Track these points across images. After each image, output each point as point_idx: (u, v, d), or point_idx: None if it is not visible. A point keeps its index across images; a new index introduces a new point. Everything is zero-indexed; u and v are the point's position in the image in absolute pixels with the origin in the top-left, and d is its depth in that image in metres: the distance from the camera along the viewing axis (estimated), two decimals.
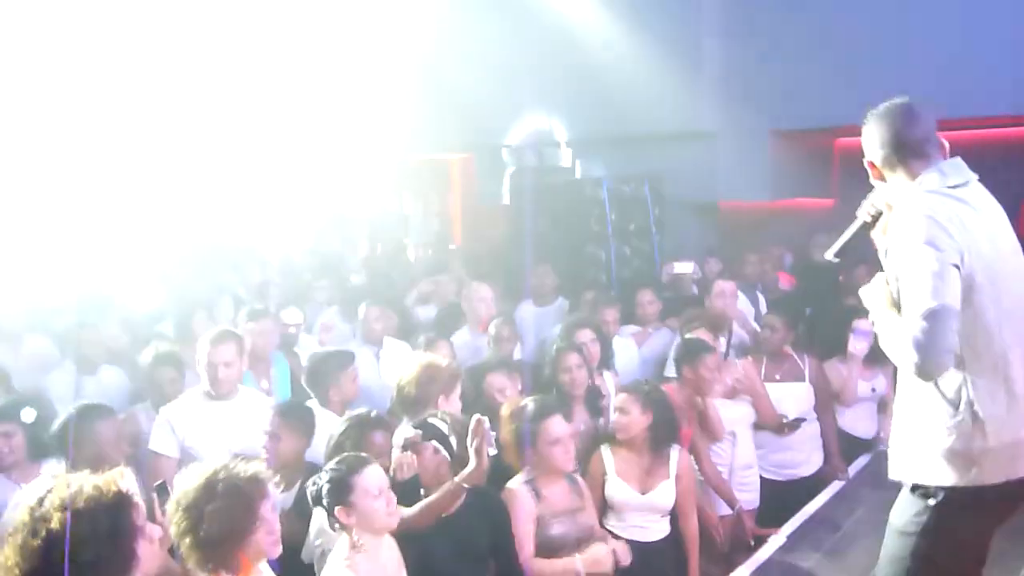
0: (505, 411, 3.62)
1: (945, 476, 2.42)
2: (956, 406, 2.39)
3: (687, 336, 4.86)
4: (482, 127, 9.16)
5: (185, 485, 2.42)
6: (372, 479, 2.77)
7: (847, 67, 7.01)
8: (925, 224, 2.37)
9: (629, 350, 5.58)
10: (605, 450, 3.92)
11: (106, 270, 6.71)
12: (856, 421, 5.52)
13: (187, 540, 2.38)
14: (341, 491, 2.74)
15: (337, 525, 2.78)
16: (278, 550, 2.46)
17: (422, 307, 6.65)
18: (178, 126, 9.24)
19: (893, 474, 2.57)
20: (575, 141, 8.37)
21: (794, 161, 7.93)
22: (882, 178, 2.64)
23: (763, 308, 6.45)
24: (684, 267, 6.78)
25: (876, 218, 2.66)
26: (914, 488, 2.49)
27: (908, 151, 2.55)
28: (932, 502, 2.44)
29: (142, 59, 8.68)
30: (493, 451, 3.06)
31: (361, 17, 9.48)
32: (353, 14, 9.46)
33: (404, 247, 10.25)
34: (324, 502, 2.77)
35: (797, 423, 4.78)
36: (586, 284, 6.93)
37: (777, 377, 5.02)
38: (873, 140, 2.62)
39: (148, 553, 2.05)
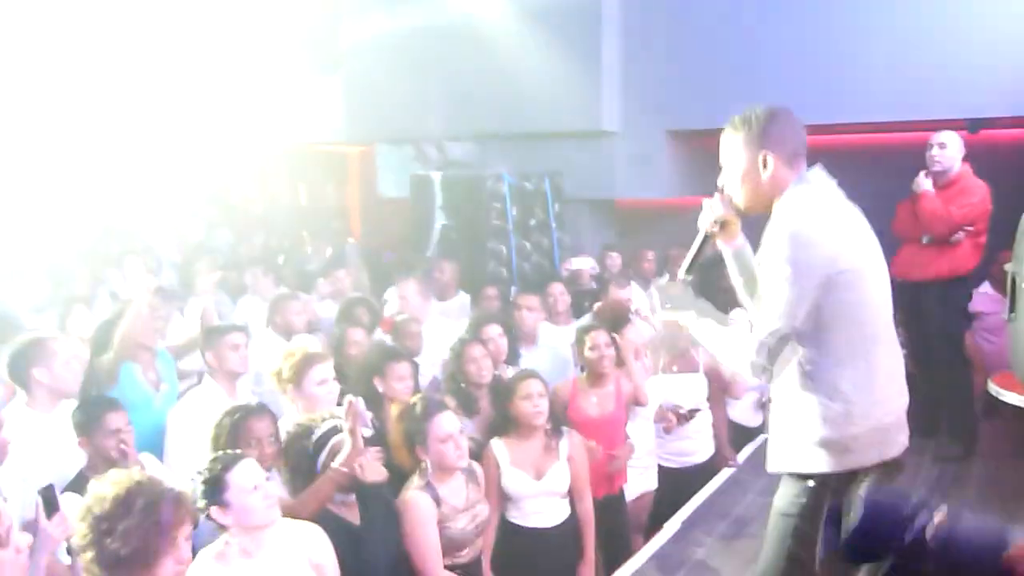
0: (394, 412, 3.60)
1: (821, 463, 2.54)
2: (830, 397, 2.49)
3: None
4: (384, 119, 9.06)
5: (101, 492, 2.29)
6: (246, 474, 2.70)
7: (741, 69, 7.27)
8: (791, 243, 2.44)
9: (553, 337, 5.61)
10: (497, 443, 3.95)
11: None
12: (743, 412, 5.83)
13: (90, 554, 2.25)
14: (215, 490, 2.66)
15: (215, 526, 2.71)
16: None
17: (321, 303, 6.54)
18: (65, 115, 8.78)
19: (772, 467, 2.68)
20: (477, 136, 8.38)
21: (690, 160, 8.17)
22: (748, 181, 2.62)
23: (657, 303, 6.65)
24: (583, 263, 6.91)
25: (720, 226, 2.74)
26: (794, 476, 2.60)
27: (784, 158, 2.57)
28: (811, 484, 2.56)
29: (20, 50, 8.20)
30: (368, 431, 3.04)
31: (266, 3, 9.25)
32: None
33: (303, 240, 10.03)
34: (200, 503, 2.67)
35: (693, 412, 4.94)
36: (486, 279, 6.97)
37: (675, 368, 5.18)
38: (746, 143, 2.59)
39: (8, 562, 1.94)
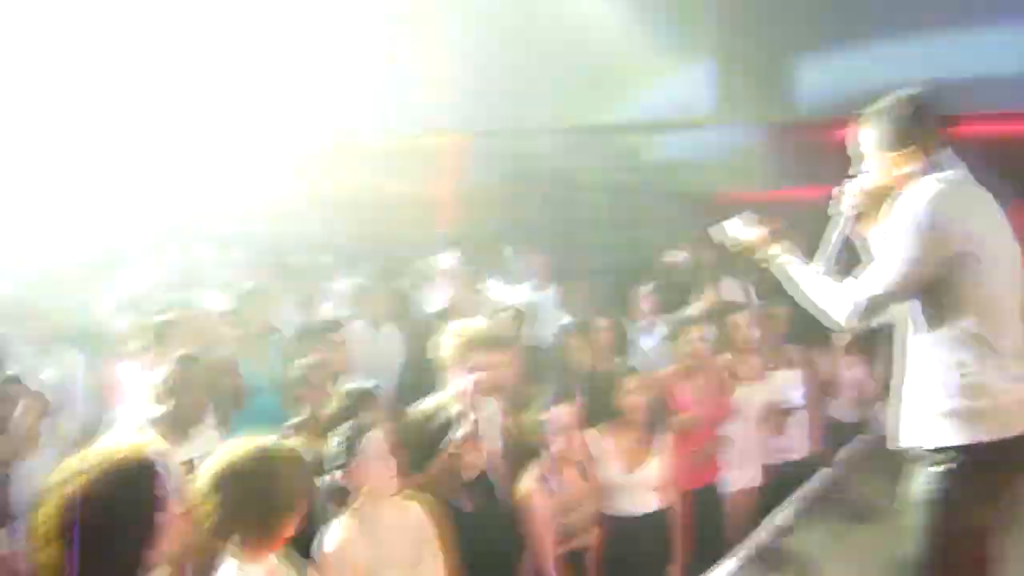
0: (504, 402, 3.70)
1: (954, 436, 2.52)
2: (960, 370, 2.51)
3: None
4: (478, 111, 9.15)
5: (230, 457, 2.43)
6: (374, 444, 2.86)
7: (850, 57, 7.08)
8: (920, 218, 2.49)
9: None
10: (592, 433, 3.99)
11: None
12: (842, 409, 5.75)
13: (221, 513, 2.38)
14: (346, 456, 2.83)
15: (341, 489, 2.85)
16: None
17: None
18: (148, 109, 9.05)
19: (904, 441, 2.65)
20: (570, 127, 8.39)
21: (789, 152, 8.03)
22: (887, 168, 2.67)
23: (753, 298, 6.58)
24: (677, 256, 6.88)
25: (858, 214, 2.75)
26: (923, 458, 2.58)
27: (925, 145, 2.61)
28: (943, 468, 2.53)
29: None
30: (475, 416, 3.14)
31: None
32: None
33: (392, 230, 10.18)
34: (326, 466, 2.85)
35: (791, 410, 4.91)
36: (578, 271, 6.99)
37: (771, 365, 5.15)
38: (888, 131, 2.66)
39: (172, 525, 2.03)
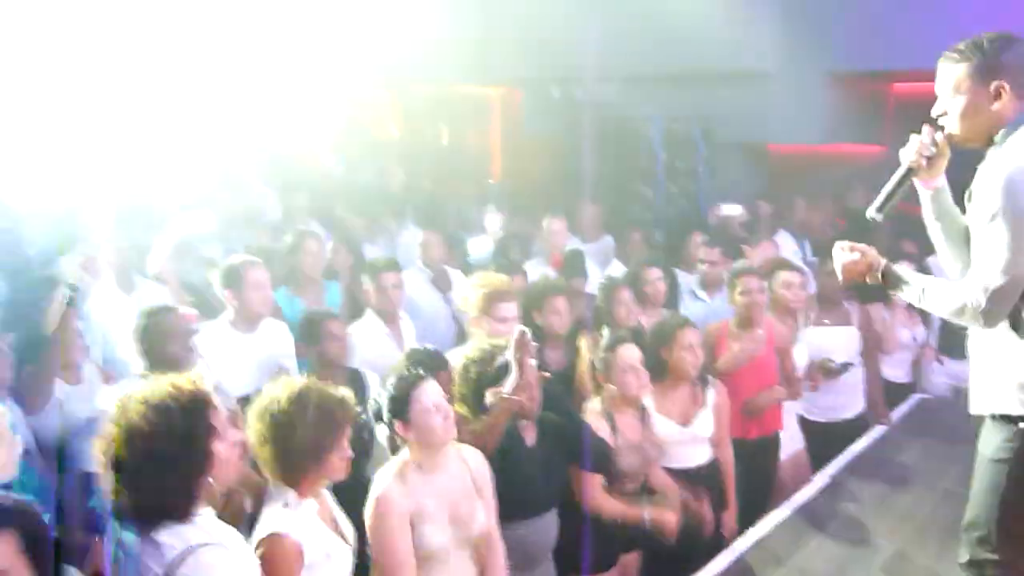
0: (582, 343, 3.72)
1: None
2: None
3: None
4: (531, 60, 9.03)
5: (273, 393, 2.49)
6: (430, 394, 2.85)
7: (915, 5, 6.80)
8: (1015, 189, 2.29)
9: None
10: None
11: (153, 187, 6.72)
12: (896, 368, 5.65)
13: (268, 448, 2.45)
14: (400, 405, 2.84)
15: (397, 440, 2.88)
16: (343, 475, 2.55)
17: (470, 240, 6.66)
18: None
19: (975, 408, 2.57)
20: (627, 77, 8.22)
21: (848, 106, 7.79)
22: (973, 114, 2.45)
23: (809, 254, 6.46)
24: (732, 209, 6.76)
25: (928, 161, 2.55)
26: (999, 423, 2.50)
27: (1018, 89, 2.40)
28: (1022, 425, 2.44)
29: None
30: (534, 362, 3.13)
31: None
32: None
33: (443, 179, 10.18)
34: (384, 417, 2.88)
35: (846, 367, 4.82)
36: (631, 222, 6.92)
37: (826, 322, 5.05)
38: (976, 72, 2.43)
39: (226, 455, 2.11)
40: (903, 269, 2.68)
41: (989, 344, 2.52)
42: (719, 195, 7.58)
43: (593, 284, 5.08)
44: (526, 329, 3.14)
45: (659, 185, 7.34)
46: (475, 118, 12.11)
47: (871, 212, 2.63)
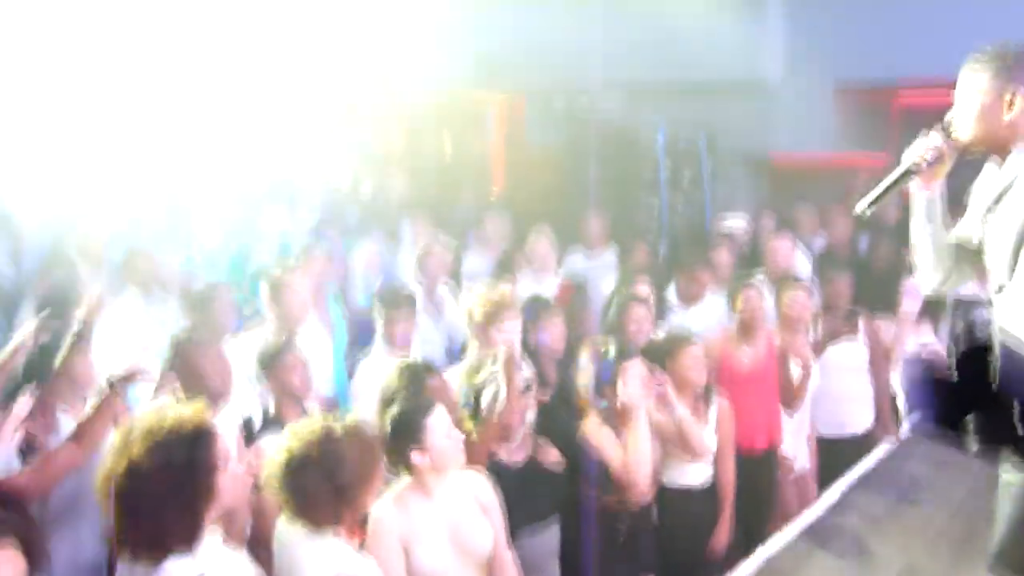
0: (583, 355, 3.70)
1: None
2: None
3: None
4: (534, 68, 8.99)
5: (299, 440, 2.40)
6: (443, 419, 2.85)
7: (922, 17, 6.78)
8: None
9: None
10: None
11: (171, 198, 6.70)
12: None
13: (299, 500, 2.37)
14: (417, 432, 2.80)
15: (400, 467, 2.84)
16: None
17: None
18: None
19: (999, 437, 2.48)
20: (631, 86, 8.19)
21: (855, 116, 7.76)
22: (985, 120, 2.43)
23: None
24: (737, 220, 6.72)
25: (929, 165, 2.49)
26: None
27: None
28: None
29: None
30: (524, 377, 3.14)
31: None
32: None
33: (445, 189, 10.12)
34: (395, 446, 2.82)
35: None
36: (636, 233, 6.89)
37: (834, 336, 5.01)
38: (994, 78, 2.42)
39: (231, 487, 2.09)
40: None
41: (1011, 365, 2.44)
42: (723, 205, 7.55)
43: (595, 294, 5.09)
44: (513, 347, 3.14)
45: (663, 195, 7.30)
46: (477, 128, 12.08)
47: (860, 207, 2.58)
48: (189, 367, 3.30)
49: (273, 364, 3.68)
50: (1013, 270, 2.42)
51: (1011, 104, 2.41)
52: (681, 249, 6.03)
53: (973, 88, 2.47)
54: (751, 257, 5.98)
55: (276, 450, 2.42)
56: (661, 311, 5.06)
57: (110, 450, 2.05)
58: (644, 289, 4.83)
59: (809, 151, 7.91)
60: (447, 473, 2.87)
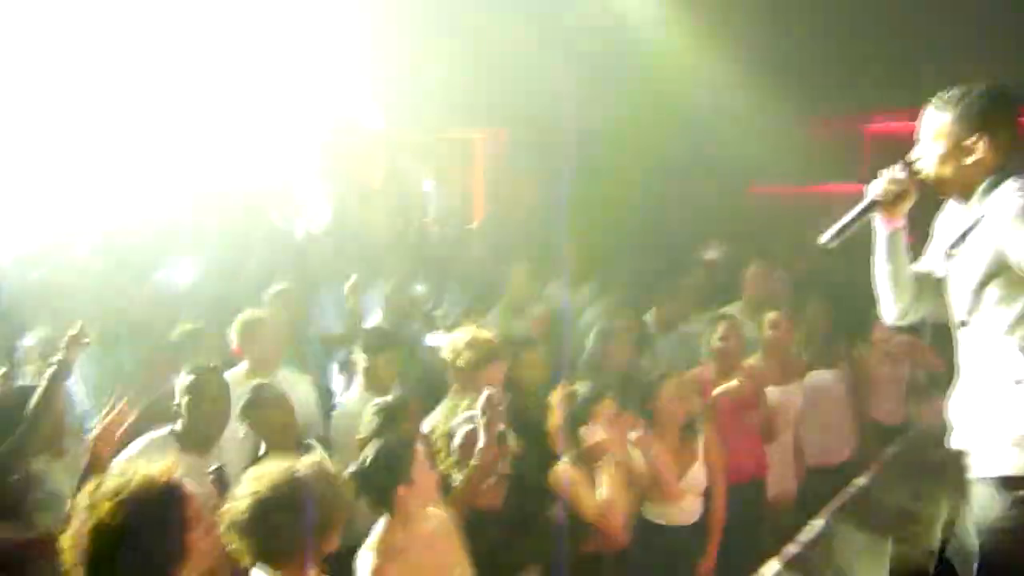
0: (557, 397, 3.65)
1: None
2: None
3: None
4: (513, 105, 9.07)
5: (264, 485, 2.35)
6: (423, 454, 2.87)
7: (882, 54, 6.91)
8: None
9: None
10: (643, 439, 3.89)
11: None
12: (885, 410, 5.57)
13: (262, 544, 2.31)
14: (404, 466, 2.78)
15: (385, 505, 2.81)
16: None
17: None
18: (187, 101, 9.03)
19: (979, 472, 2.45)
20: (606, 119, 8.26)
21: (823, 146, 7.87)
22: (948, 163, 2.43)
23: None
24: (714, 252, 6.77)
25: (893, 198, 2.49)
26: (1002, 482, 2.38)
27: (996, 144, 2.40)
28: (1019, 496, 2.34)
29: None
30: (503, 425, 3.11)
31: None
32: None
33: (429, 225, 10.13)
34: (383, 483, 2.78)
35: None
36: (611, 268, 6.87)
37: (810, 365, 5.02)
38: (956, 123, 2.42)
39: (204, 545, 2.04)
40: None
41: (989, 404, 2.42)
42: (701, 234, 7.59)
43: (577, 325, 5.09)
44: (494, 392, 3.12)
45: (637, 229, 7.34)
46: (459, 162, 12.14)
47: (824, 239, 2.56)
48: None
49: (256, 404, 3.60)
50: (973, 310, 2.43)
51: (973, 148, 2.42)
52: (660, 278, 6.01)
53: (936, 131, 2.48)
54: (729, 286, 5.99)
55: (239, 495, 2.36)
56: (642, 341, 5.04)
57: (75, 511, 2.00)
58: (624, 321, 4.82)
59: (784, 182, 8.00)
60: (427, 508, 2.86)
